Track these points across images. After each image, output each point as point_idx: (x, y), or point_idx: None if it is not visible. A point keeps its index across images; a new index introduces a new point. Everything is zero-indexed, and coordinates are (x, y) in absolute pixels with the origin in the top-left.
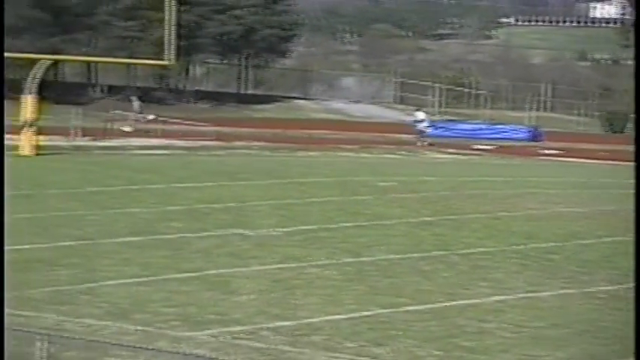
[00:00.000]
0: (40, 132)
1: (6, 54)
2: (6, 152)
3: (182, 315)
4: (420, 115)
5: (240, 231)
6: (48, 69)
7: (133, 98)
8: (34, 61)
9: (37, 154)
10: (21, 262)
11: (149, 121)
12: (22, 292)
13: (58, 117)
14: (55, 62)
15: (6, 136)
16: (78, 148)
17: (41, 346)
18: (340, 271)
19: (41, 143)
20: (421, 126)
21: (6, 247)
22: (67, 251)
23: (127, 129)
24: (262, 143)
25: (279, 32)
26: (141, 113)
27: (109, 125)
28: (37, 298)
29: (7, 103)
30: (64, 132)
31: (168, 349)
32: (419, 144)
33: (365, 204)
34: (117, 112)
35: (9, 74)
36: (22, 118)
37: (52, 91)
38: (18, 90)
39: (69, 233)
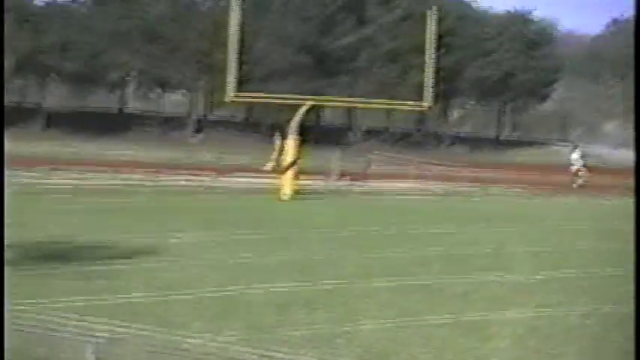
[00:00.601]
0: (300, 173)
1: (271, 96)
2: (266, 196)
3: None
4: (575, 155)
5: (497, 276)
6: (309, 111)
7: (276, 135)
8: (297, 105)
9: (297, 195)
10: (281, 303)
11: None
12: (282, 333)
13: (317, 159)
14: (317, 105)
15: (268, 179)
16: (336, 189)
17: None
18: (601, 321)
19: (301, 183)
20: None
21: (268, 287)
22: (326, 293)
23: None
24: (519, 188)
25: (539, 77)
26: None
27: (366, 168)
28: (295, 338)
29: (269, 147)
30: (323, 173)
31: None
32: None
33: (627, 252)
34: (376, 153)
35: (272, 116)
36: (285, 161)
37: (312, 133)
38: (275, 132)
39: (327, 274)
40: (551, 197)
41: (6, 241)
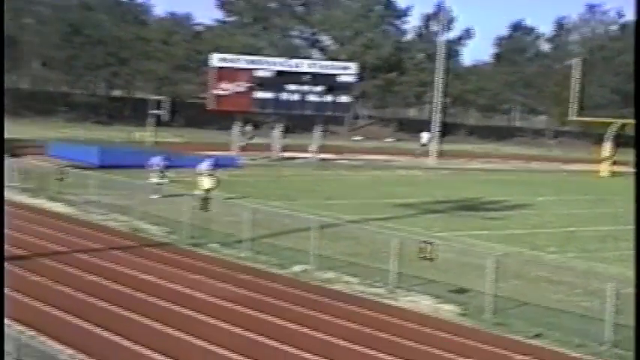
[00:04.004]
0: (614, 163)
1: (596, 119)
2: (591, 175)
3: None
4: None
5: None
6: (619, 127)
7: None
8: (609, 124)
9: (611, 176)
10: (600, 237)
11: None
12: (600, 254)
13: (624, 155)
14: (623, 124)
15: (592, 166)
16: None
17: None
18: None
19: (614, 170)
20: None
21: (592, 228)
22: (625, 232)
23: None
24: None
25: None
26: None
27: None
28: (609, 257)
29: (593, 148)
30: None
31: None
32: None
33: None
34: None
35: (595, 130)
36: (602, 155)
37: (620, 139)
38: (600, 139)
39: (627, 221)
40: None
41: (441, 198)
